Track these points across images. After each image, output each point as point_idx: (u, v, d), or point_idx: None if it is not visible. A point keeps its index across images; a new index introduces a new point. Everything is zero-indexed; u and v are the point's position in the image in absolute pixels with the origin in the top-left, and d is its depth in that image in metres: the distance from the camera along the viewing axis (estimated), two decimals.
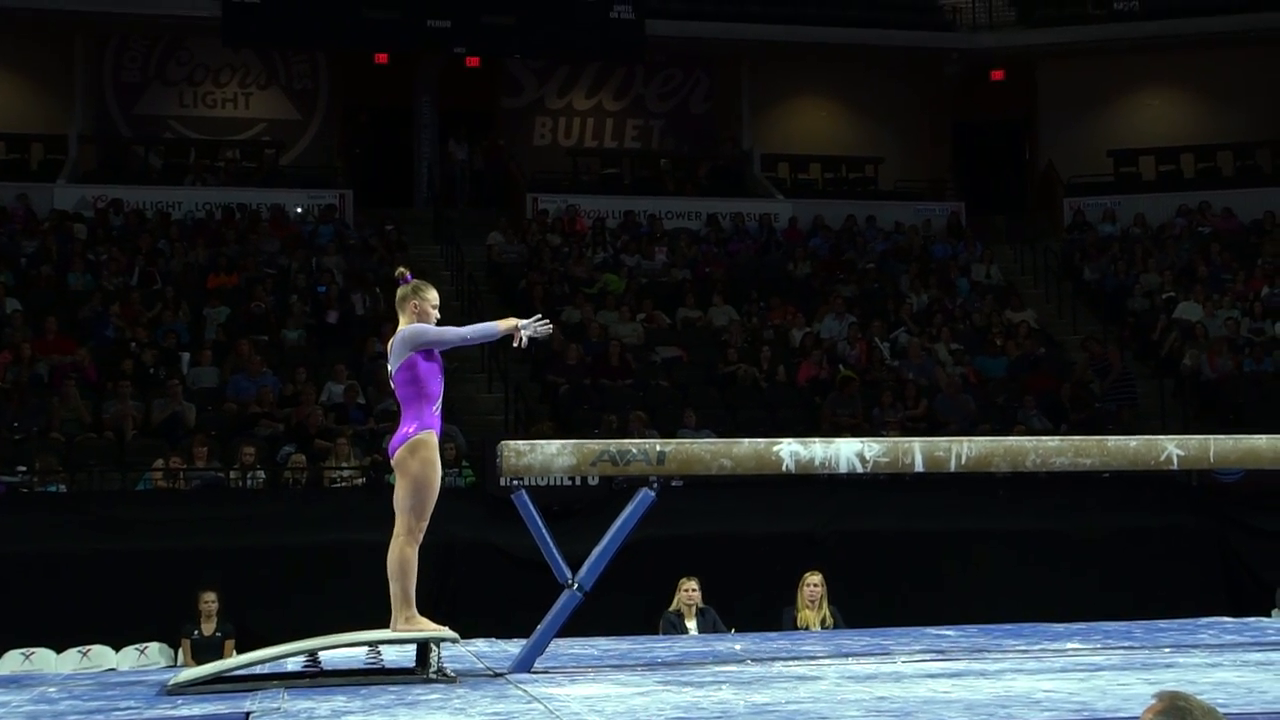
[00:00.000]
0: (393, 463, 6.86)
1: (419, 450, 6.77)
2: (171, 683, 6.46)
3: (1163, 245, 21.51)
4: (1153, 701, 3.45)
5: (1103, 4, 24.08)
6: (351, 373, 16.17)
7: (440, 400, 6.91)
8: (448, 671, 6.71)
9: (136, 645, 12.12)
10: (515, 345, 6.95)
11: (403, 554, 6.79)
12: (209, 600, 11.52)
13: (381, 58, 23.02)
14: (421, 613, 6.87)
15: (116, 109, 23.42)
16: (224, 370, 16.07)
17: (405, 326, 6.90)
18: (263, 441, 14.56)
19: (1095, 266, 21.15)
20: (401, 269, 7.23)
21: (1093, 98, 24.98)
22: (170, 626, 11.78)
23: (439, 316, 7.01)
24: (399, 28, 21.86)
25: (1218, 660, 7.13)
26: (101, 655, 12.01)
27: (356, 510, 13.53)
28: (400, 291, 6.98)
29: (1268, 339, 18.26)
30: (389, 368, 6.96)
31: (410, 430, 6.80)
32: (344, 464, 14.36)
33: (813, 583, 10.77)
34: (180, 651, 11.64)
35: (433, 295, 6.98)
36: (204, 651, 11.20)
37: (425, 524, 6.86)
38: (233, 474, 14.08)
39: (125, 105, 23.44)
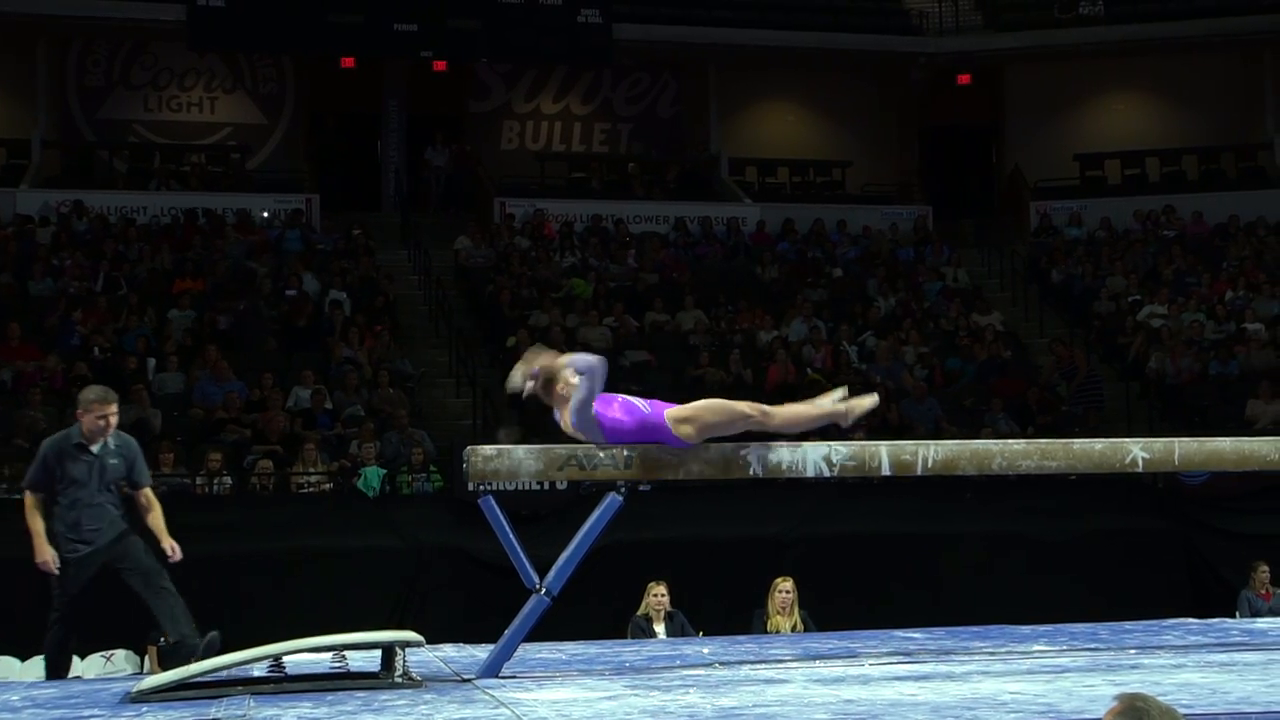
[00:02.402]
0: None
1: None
2: (135, 690, 6.41)
3: (1128, 249, 21.63)
4: (1113, 703, 3.47)
5: (1068, 9, 24.21)
6: (319, 378, 16.11)
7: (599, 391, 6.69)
8: (413, 676, 6.69)
9: (102, 652, 12.02)
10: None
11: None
12: None
13: (348, 62, 22.96)
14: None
15: (80, 113, 23.28)
16: (190, 376, 15.99)
17: (568, 411, 6.67)
18: (229, 447, 14.49)
19: (1061, 270, 21.25)
20: (530, 381, 6.83)
21: (1059, 102, 25.12)
22: (136, 633, 11.70)
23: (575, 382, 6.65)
24: (365, 32, 21.81)
25: (1182, 661, 7.15)
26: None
27: (324, 515, 13.50)
28: (531, 388, 6.79)
29: (1232, 341, 18.37)
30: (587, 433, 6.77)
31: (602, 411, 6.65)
32: (311, 469, 14.31)
33: (784, 589, 10.79)
34: (146, 658, 11.56)
35: (557, 366, 6.71)
36: (170, 658, 11.09)
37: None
38: (199, 480, 14.01)
39: (89, 109, 23.31)
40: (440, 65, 23.37)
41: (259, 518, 13.46)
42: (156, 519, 7.98)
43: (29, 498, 7.65)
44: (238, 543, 12.83)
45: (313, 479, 14.27)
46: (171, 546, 7.89)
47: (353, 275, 19.16)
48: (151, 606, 7.90)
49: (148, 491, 8.00)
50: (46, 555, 7.56)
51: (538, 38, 22.45)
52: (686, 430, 6.77)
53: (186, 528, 13.11)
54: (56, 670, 7.96)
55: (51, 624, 7.91)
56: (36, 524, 7.56)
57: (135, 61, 23.43)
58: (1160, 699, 3.50)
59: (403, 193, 23.12)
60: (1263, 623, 9.77)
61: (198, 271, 18.62)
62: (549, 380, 6.71)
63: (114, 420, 7.84)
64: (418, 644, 6.81)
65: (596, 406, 6.66)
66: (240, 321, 17.47)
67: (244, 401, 15.49)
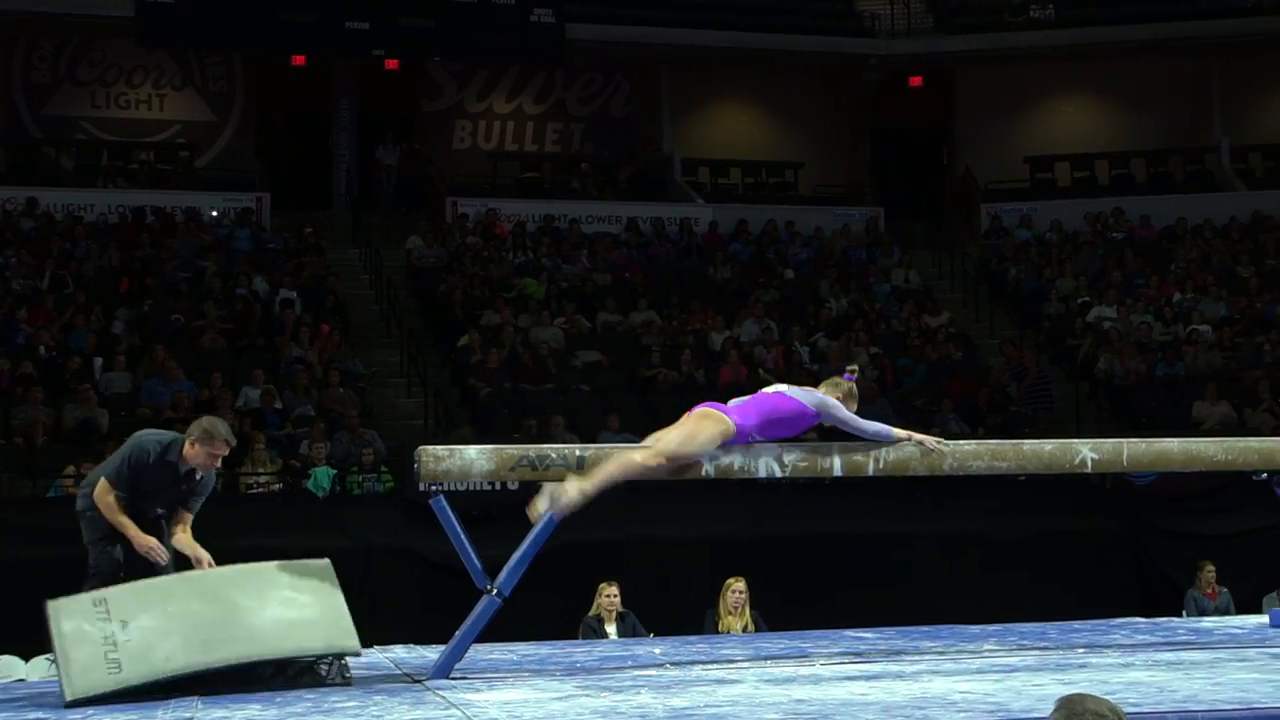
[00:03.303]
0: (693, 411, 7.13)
1: (712, 419, 7.01)
2: (71, 694, 6.29)
3: (1077, 251, 21.78)
4: (1055, 706, 3.50)
5: (1019, 12, 24.37)
6: (268, 377, 16.00)
7: (759, 435, 7.15)
8: (347, 675, 6.66)
9: (47, 655, 11.87)
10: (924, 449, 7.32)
11: (633, 462, 6.99)
12: None
13: (299, 60, 22.81)
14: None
15: (26, 110, 23.02)
16: (137, 375, 15.85)
17: (828, 397, 7.22)
18: None
19: (1013, 271, 21.37)
20: (853, 366, 7.79)
21: (1009, 105, 25.28)
22: None
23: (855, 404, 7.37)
24: (316, 30, 21.69)
25: (1130, 660, 7.21)
26: (10, 666, 11.74)
27: (273, 516, 13.39)
28: (843, 383, 7.39)
29: (1179, 343, 18.53)
30: (781, 388, 7.31)
31: (732, 416, 7.03)
32: (261, 469, 14.21)
33: (736, 589, 10.79)
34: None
35: (854, 407, 7.37)
36: None
37: (667, 462, 7.04)
38: None
39: (35, 106, 23.05)
40: (392, 64, 23.26)
41: (207, 518, 13.31)
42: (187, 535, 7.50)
43: (114, 494, 7.20)
44: None
45: (262, 479, 14.17)
46: (205, 559, 7.41)
47: (303, 274, 19.04)
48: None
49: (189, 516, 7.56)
50: (150, 542, 7.14)
51: (490, 37, 22.40)
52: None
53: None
54: None
55: None
56: (121, 518, 7.17)
57: (83, 58, 23.19)
58: (1107, 697, 3.53)
59: (354, 192, 23.00)
60: (1208, 622, 9.87)
61: (146, 270, 18.45)
62: (852, 395, 7.38)
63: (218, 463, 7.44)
64: (354, 652, 6.75)
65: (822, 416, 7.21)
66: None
67: (193, 401, 15.36)
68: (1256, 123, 24.81)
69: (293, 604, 6.73)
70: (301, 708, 6.08)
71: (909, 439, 7.28)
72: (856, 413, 7.31)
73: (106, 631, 6.38)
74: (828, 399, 7.20)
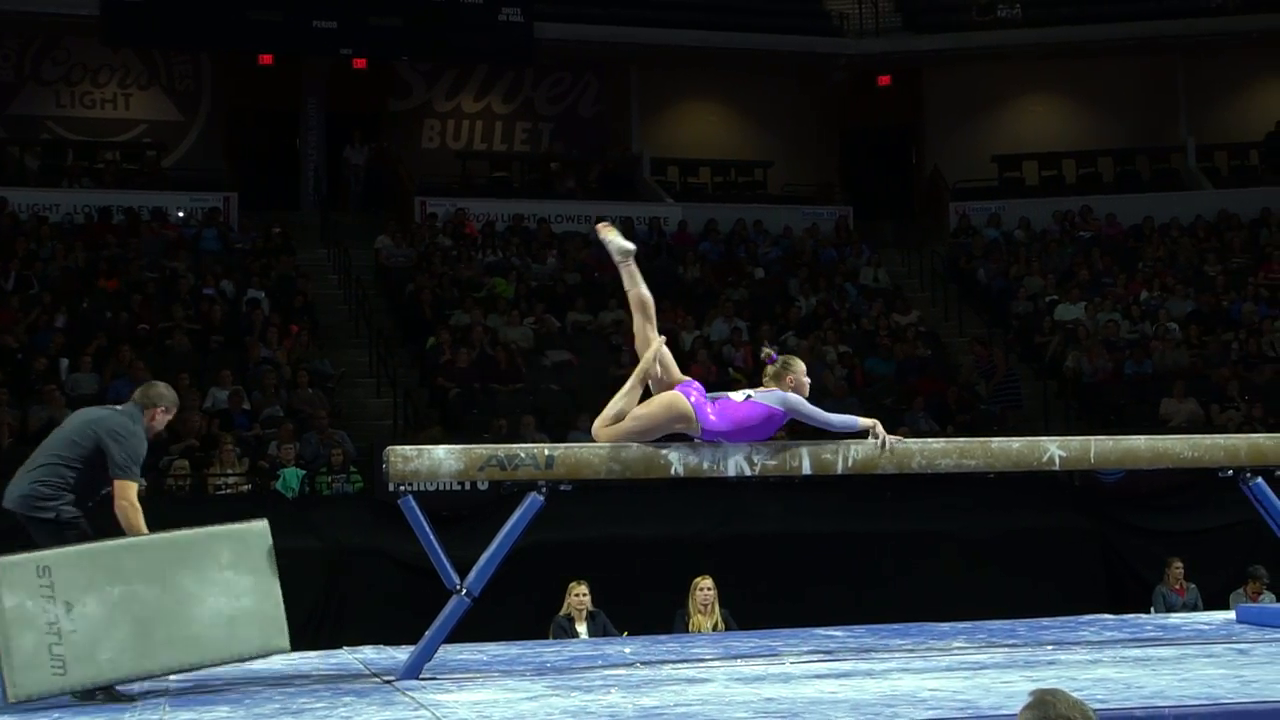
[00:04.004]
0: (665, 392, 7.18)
1: (678, 413, 7.08)
2: (14, 695, 6.24)
3: (1045, 249, 21.88)
4: (1028, 699, 3.50)
5: (987, 12, 24.45)
6: (236, 378, 15.93)
7: (728, 440, 7.20)
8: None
9: None
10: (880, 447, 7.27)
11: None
12: None
13: (266, 59, 22.69)
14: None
15: None
16: (104, 376, 15.75)
17: (789, 394, 7.22)
18: None
19: (981, 270, 21.43)
20: (767, 349, 7.66)
21: (977, 104, 25.37)
22: None
23: (809, 382, 7.38)
24: (284, 29, 21.60)
25: (1098, 657, 7.24)
26: None
27: (241, 517, 13.26)
28: (771, 370, 7.34)
29: (1147, 341, 18.63)
30: (749, 393, 7.29)
31: (709, 411, 7.09)
32: (229, 470, 14.14)
33: (704, 587, 10.80)
34: None
35: (800, 366, 7.38)
36: None
37: (619, 428, 7.11)
38: None
39: None
40: (360, 63, 23.16)
41: (174, 519, 13.25)
42: None
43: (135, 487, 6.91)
44: None
45: (230, 480, 14.10)
46: None
47: (271, 275, 18.96)
48: None
49: None
50: None
51: (459, 36, 22.35)
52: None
53: (102, 530, 12.97)
54: None
55: None
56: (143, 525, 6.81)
57: (47, 56, 23.02)
58: (1074, 694, 3.54)
59: (322, 192, 22.91)
60: (1176, 618, 9.93)
61: (112, 271, 18.34)
62: (789, 366, 7.30)
63: None
64: (284, 650, 6.78)
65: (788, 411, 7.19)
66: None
67: None
68: (1222, 122, 24.97)
69: (233, 590, 6.65)
70: (270, 709, 6.06)
71: (873, 427, 7.25)
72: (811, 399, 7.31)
73: (51, 616, 6.23)
74: (789, 396, 7.21)
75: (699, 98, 25.53)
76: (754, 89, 25.21)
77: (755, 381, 7.72)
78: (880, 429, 7.29)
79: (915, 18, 24.81)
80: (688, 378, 7.38)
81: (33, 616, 6.22)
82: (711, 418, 7.08)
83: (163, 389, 7.21)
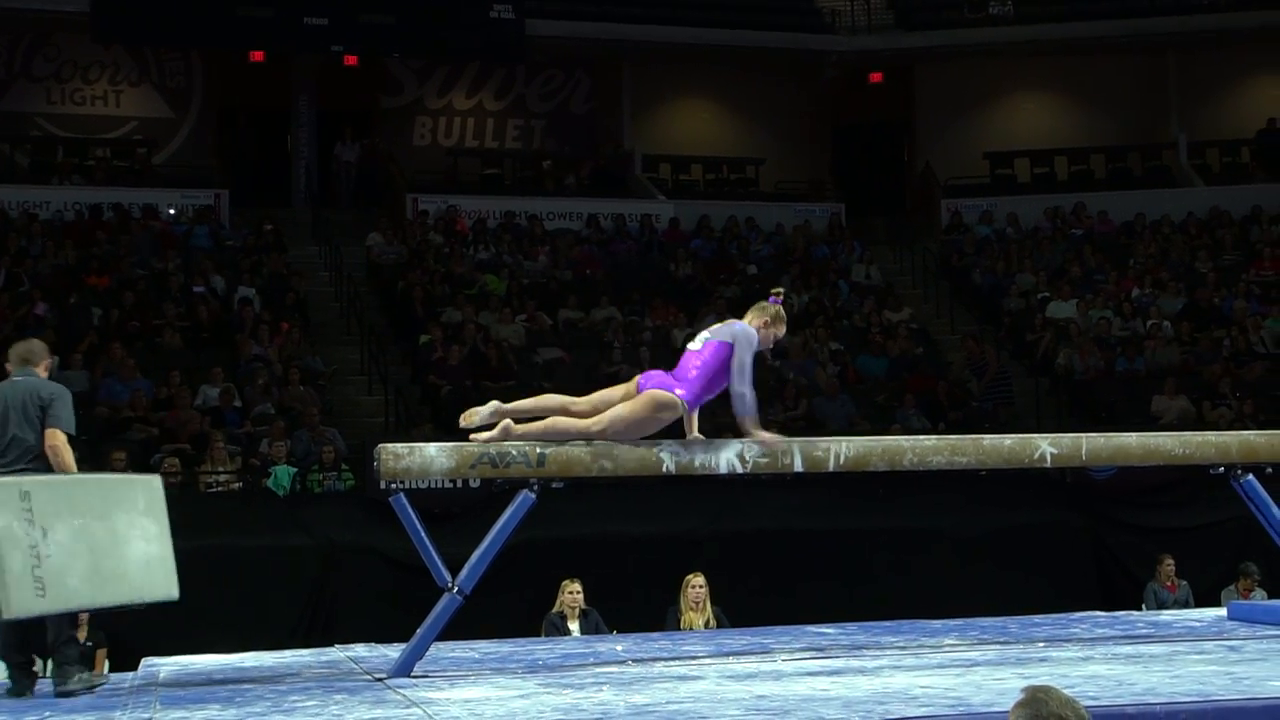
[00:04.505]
0: (639, 389, 7.08)
1: (662, 404, 7.00)
2: (8, 612, 6.36)
3: (1037, 246, 21.89)
4: (1020, 695, 3.50)
5: (979, 9, 24.44)
6: (227, 375, 15.90)
7: (708, 395, 7.15)
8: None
9: None
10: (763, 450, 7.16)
11: (572, 427, 6.99)
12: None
13: (257, 56, 22.64)
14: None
15: None
16: (95, 373, 15.72)
17: (751, 328, 7.15)
18: (135, 446, 14.25)
19: (973, 267, 21.44)
20: (780, 289, 7.63)
21: (969, 101, 25.37)
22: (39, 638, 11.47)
23: (772, 346, 7.38)
24: (275, 26, 21.55)
25: (1090, 654, 7.25)
26: None
27: (233, 515, 13.33)
28: (767, 306, 7.26)
29: (1138, 338, 18.65)
30: (705, 336, 7.19)
31: (677, 390, 7.02)
32: (220, 468, 14.12)
33: (696, 584, 10.80)
34: (49, 662, 11.33)
35: (783, 331, 7.38)
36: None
37: (607, 433, 7.04)
38: None
39: None
40: (352, 60, 23.12)
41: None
42: None
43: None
44: None
45: (222, 478, 14.08)
46: None
47: (263, 272, 18.93)
48: None
49: None
50: None
51: (451, 33, 22.31)
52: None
53: None
54: None
55: None
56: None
57: (37, 53, 22.96)
58: (1066, 691, 3.53)
59: (313, 189, 22.87)
60: (1167, 615, 9.94)
61: (103, 268, 18.30)
62: (779, 320, 7.24)
63: None
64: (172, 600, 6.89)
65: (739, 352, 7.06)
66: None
67: (150, 400, 15.26)
68: (1213, 119, 24.99)
69: (148, 534, 6.83)
70: (261, 707, 6.05)
71: (757, 435, 7.11)
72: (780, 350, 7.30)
73: (33, 539, 6.40)
74: (748, 329, 7.14)
75: (691, 94, 25.51)
76: (746, 86, 25.20)
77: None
78: (768, 440, 7.12)
79: (907, 15, 24.80)
80: (638, 377, 7.28)
81: (18, 538, 6.39)
82: (685, 393, 7.05)
83: (37, 343, 7.56)
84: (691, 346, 7.25)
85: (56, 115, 23.09)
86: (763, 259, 21.25)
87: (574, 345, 18.04)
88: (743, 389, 7.07)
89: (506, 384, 16.65)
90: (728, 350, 7.09)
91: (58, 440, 7.05)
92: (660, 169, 24.41)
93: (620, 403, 7.10)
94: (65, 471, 7.00)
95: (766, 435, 7.20)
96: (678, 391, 7.05)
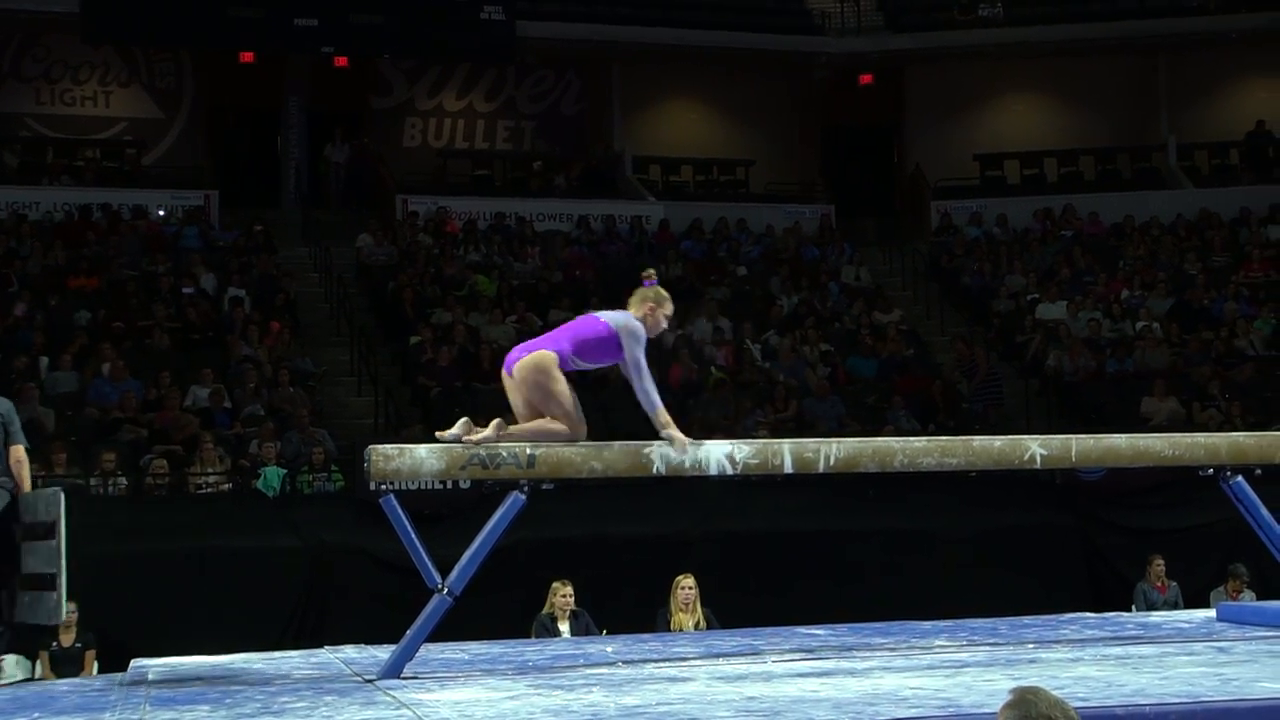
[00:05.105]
0: (513, 375, 7.04)
1: (540, 368, 6.91)
2: None
3: (1027, 248, 21.93)
4: (1009, 696, 3.50)
5: (968, 11, 24.48)
6: (217, 376, 15.88)
7: (581, 360, 7.05)
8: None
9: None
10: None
11: (558, 429, 6.93)
12: (68, 610, 11.22)
13: (247, 56, 22.60)
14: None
15: None
16: (85, 374, 15.69)
17: (637, 319, 7.04)
18: (125, 447, 14.23)
19: (963, 269, 21.47)
20: (650, 270, 7.40)
21: (959, 102, 25.41)
22: (28, 638, 11.45)
23: (666, 328, 7.26)
24: (265, 26, 21.54)
25: (1079, 655, 7.25)
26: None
27: (222, 516, 13.31)
28: (645, 292, 7.15)
29: (1128, 340, 18.68)
30: (598, 313, 7.18)
31: (534, 351, 6.95)
32: (210, 469, 14.10)
33: (685, 585, 10.80)
34: (39, 664, 11.32)
35: (668, 307, 7.20)
36: (63, 663, 10.92)
37: (578, 419, 6.94)
38: (93, 481, 13.75)
39: None
40: (342, 61, 23.10)
41: (155, 519, 13.24)
42: None
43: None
44: (132, 544, 12.62)
45: (211, 479, 14.06)
46: None
47: (252, 272, 18.91)
48: None
49: None
50: None
51: (441, 34, 22.31)
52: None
53: (81, 529, 12.92)
54: None
55: None
56: None
57: (27, 53, 22.93)
58: (1056, 692, 3.54)
59: (304, 189, 22.85)
60: (1157, 616, 9.95)
61: (93, 269, 18.27)
62: (661, 301, 7.16)
63: None
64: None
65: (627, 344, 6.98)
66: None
67: (140, 401, 15.23)
68: (1202, 121, 25.05)
69: None
70: (251, 708, 6.04)
71: (668, 432, 6.98)
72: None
73: None
74: (631, 322, 7.02)
75: (681, 96, 25.52)
76: (736, 87, 25.21)
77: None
78: (679, 437, 6.98)
79: (897, 16, 24.83)
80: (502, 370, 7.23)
81: None
82: (553, 346, 7.02)
83: None
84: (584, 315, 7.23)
85: (46, 116, 23.05)
86: (753, 260, 21.26)
87: None
88: (643, 385, 6.99)
89: (496, 385, 16.61)
90: (606, 330, 7.01)
91: (21, 455, 7.52)
92: (650, 170, 24.41)
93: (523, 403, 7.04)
94: (25, 486, 7.41)
95: (676, 434, 7.04)
96: (551, 348, 6.97)
